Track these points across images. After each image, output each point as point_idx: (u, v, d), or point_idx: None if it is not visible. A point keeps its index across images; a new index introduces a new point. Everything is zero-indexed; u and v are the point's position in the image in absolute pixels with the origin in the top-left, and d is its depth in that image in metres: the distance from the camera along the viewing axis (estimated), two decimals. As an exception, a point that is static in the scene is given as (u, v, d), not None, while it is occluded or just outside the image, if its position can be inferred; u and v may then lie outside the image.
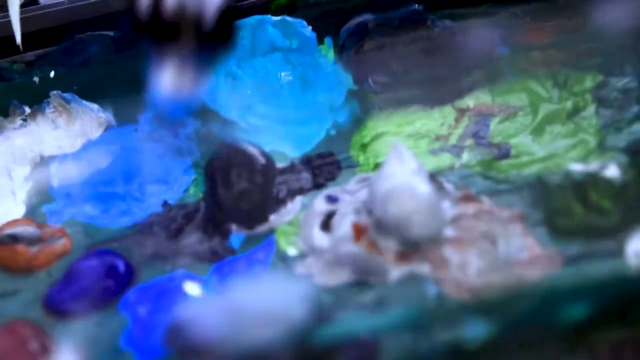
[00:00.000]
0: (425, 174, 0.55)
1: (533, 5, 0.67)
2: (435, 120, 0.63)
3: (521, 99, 0.63)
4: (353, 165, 0.61)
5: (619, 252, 0.51)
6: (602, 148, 0.58)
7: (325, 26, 0.67)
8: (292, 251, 0.56)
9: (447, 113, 0.64)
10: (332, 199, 0.57)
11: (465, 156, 0.60)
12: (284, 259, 0.55)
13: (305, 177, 0.60)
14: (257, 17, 0.66)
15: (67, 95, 0.67)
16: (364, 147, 0.62)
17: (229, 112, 0.64)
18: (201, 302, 0.51)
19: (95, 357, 0.51)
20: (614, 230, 0.53)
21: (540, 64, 0.64)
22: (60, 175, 0.63)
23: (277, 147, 0.63)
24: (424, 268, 0.53)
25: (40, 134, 0.65)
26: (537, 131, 0.60)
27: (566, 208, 0.55)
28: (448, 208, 0.55)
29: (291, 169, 0.61)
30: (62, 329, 0.53)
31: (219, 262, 0.56)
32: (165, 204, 0.60)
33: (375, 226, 0.54)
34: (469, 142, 0.61)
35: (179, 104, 0.42)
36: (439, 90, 0.64)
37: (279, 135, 0.64)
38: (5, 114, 0.67)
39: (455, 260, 0.53)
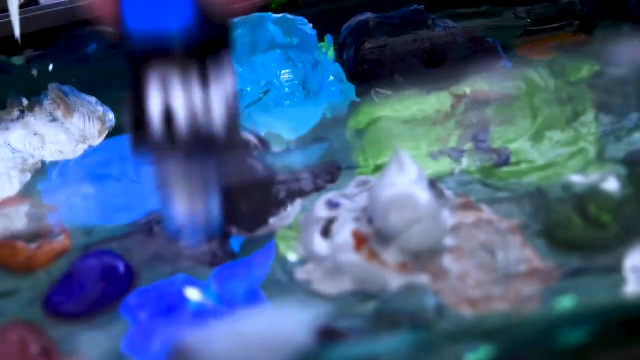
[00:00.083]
0: (426, 182, 0.56)
1: (535, 7, 0.67)
2: (431, 105, 0.63)
3: (517, 88, 0.63)
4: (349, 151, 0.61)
5: (617, 268, 0.52)
6: (601, 158, 0.58)
7: (326, 24, 0.67)
8: (291, 257, 0.56)
9: (443, 98, 0.64)
10: (332, 205, 0.57)
11: (465, 161, 0.60)
12: (283, 264, 0.56)
13: (302, 162, 0.61)
14: (258, 14, 0.66)
15: (65, 87, 0.67)
16: (359, 132, 0.63)
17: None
18: (205, 326, 0.52)
19: (96, 361, 0.52)
20: (613, 245, 0.53)
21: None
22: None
23: (274, 129, 0.63)
24: (423, 278, 0.53)
25: (37, 127, 0.65)
26: (536, 136, 0.61)
27: (565, 221, 0.55)
28: (448, 216, 0.56)
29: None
30: (62, 332, 0.53)
31: (219, 267, 0.56)
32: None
33: (375, 235, 0.54)
34: (468, 145, 0.61)
35: (194, 228, 0.42)
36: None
37: (275, 116, 0.64)
38: (3, 107, 0.67)
39: (455, 270, 0.53)
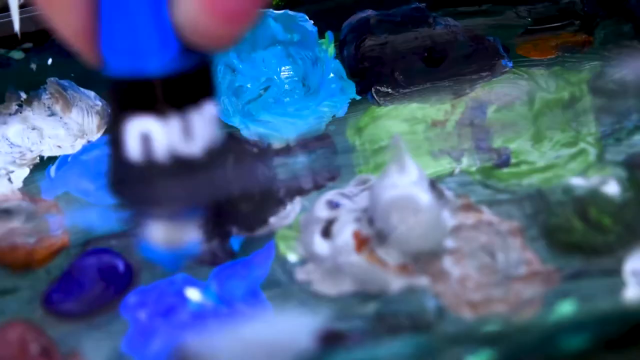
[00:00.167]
0: (427, 183, 0.56)
1: (536, 6, 0.67)
2: (431, 104, 0.64)
3: (519, 88, 0.63)
4: (349, 151, 0.61)
5: (617, 272, 0.52)
6: (602, 161, 0.58)
7: (327, 21, 0.67)
8: (292, 257, 0.56)
9: (443, 97, 0.64)
10: (333, 205, 0.57)
11: (465, 161, 0.60)
12: (283, 264, 0.56)
13: (302, 161, 0.61)
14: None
15: (64, 82, 0.66)
16: (359, 130, 0.63)
17: (229, 117, 0.64)
18: (206, 327, 0.52)
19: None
20: (613, 248, 0.53)
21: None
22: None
23: (273, 127, 0.63)
24: (424, 281, 0.53)
25: (36, 121, 0.65)
26: (537, 137, 0.61)
27: (566, 224, 0.55)
28: (448, 218, 0.56)
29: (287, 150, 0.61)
30: (62, 331, 0.53)
31: (219, 267, 0.56)
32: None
33: (376, 237, 0.54)
34: (468, 145, 0.61)
35: (172, 257, 0.41)
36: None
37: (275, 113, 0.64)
38: (1, 101, 0.66)
39: (455, 273, 0.53)
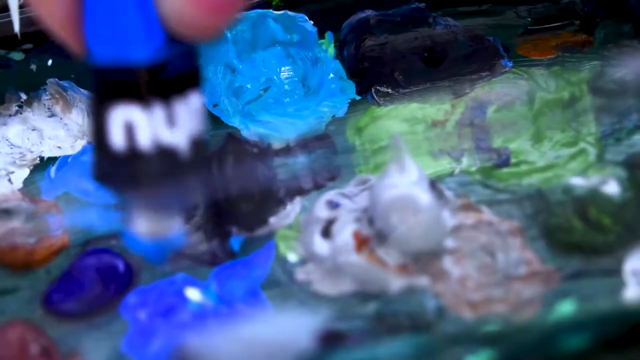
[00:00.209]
0: (427, 183, 0.56)
1: (536, 6, 0.67)
2: (431, 104, 0.64)
3: (519, 88, 0.63)
4: (349, 151, 0.61)
5: (617, 272, 0.52)
6: (602, 160, 0.58)
7: (327, 21, 0.67)
8: (292, 257, 0.56)
9: (443, 96, 0.64)
10: (333, 205, 0.57)
11: (465, 161, 0.60)
12: (283, 264, 0.56)
13: (302, 161, 0.61)
14: (258, 10, 0.65)
15: (64, 83, 0.66)
16: (359, 130, 0.63)
17: (229, 117, 0.64)
18: (206, 327, 0.52)
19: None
20: (613, 248, 0.53)
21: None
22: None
23: (273, 127, 0.63)
24: (424, 281, 0.53)
25: (36, 122, 0.65)
26: (537, 137, 0.61)
27: (566, 224, 0.55)
28: (448, 218, 0.56)
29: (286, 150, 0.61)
30: (62, 331, 0.53)
31: (219, 267, 0.56)
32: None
33: (376, 237, 0.54)
34: (468, 144, 0.61)
35: (156, 248, 0.41)
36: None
37: (275, 113, 0.64)
38: (1, 102, 0.66)
39: (455, 273, 0.53)
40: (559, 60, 0.65)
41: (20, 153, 0.63)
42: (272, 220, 0.58)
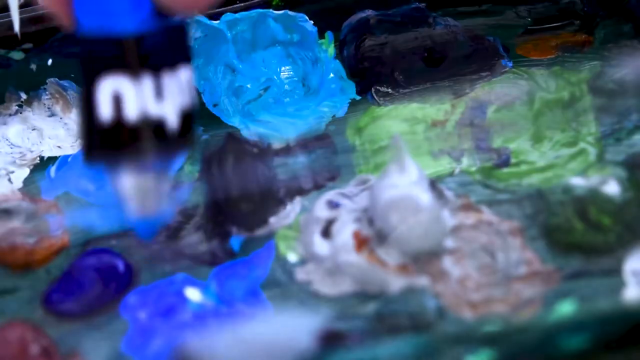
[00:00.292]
0: (427, 183, 0.56)
1: (536, 6, 0.67)
2: (431, 104, 0.64)
3: (519, 88, 0.63)
4: (349, 151, 0.62)
5: (617, 272, 0.52)
6: (602, 160, 0.58)
7: (327, 21, 0.67)
8: (292, 257, 0.56)
9: (443, 96, 0.64)
10: (333, 205, 0.57)
11: (465, 161, 0.60)
12: (283, 264, 0.56)
13: (302, 161, 0.61)
14: (258, 10, 0.65)
15: (64, 82, 0.66)
16: (359, 130, 0.63)
17: (229, 117, 0.64)
18: (206, 328, 0.52)
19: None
20: (613, 248, 0.53)
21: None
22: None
23: (273, 127, 0.63)
24: (424, 281, 0.53)
25: (36, 122, 0.65)
26: (537, 137, 0.61)
27: (566, 224, 0.55)
28: (448, 218, 0.56)
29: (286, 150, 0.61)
30: (62, 331, 0.53)
31: (219, 266, 0.56)
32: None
33: (376, 237, 0.54)
34: (468, 144, 0.61)
35: (147, 223, 0.41)
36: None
37: (275, 113, 0.64)
38: (1, 101, 0.66)
39: (455, 273, 0.53)
40: (559, 60, 0.65)
41: (20, 153, 0.63)
42: (272, 220, 0.58)
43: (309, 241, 0.56)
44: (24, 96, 0.66)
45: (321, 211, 0.57)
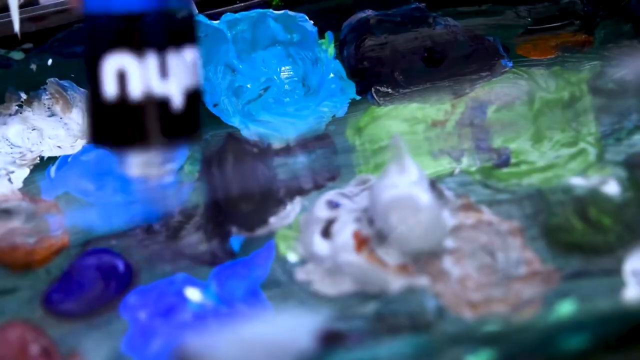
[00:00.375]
0: (427, 183, 0.56)
1: (536, 6, 0.67)
2: (431, 104, 0.63)
3: (519, 88, 0.63)
4: (349, 151, 0.61)
5: (617, 272, 0.52)
6: (602, 160, 0.58)
7: (327, 21, 0.66)
8: (292, 257, 0.56)
9: (443, 97, 0.64)
10: (333, 205, 0.57)
11: (465, 161, 0.60)
12: (283, 264, 0.56)
13: (302, 161, 0.61)
14: (258, 10, 0.65)
15: (64, 82, 0.66)
16: (359, 130, 0.63)
17: (229, 117, 0.64)
18: (206, 327, 0.52)
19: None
20: (613, 248, 0.53)
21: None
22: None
23: (273, 127, 0.63)
24: (424, 281, 0.53)
25: (36, 122, 0.65)
26: (537, 137, 0.61)
27: (566, 224, 0.55)
28: (448, 218, 0.56)
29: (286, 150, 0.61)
30: (62, 331, 0.53)
31: (219, 266, 0.56)
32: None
33: (376, 237, 0.54)
34: (468, 144, 0.61)
35: (153, 207, 0.42)
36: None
37: (275, 113, 0.64)
38: (2, 101, 0.66)
39: (455, 273, 0.53)
40: (559, 60, 0.65)
41: (20, 153, 0.63)
42: (272, 220, 0.58)
43: (309, 241, 0.56)
44: (24, 96, 0.66)
45: (321, 211, 0.57)
